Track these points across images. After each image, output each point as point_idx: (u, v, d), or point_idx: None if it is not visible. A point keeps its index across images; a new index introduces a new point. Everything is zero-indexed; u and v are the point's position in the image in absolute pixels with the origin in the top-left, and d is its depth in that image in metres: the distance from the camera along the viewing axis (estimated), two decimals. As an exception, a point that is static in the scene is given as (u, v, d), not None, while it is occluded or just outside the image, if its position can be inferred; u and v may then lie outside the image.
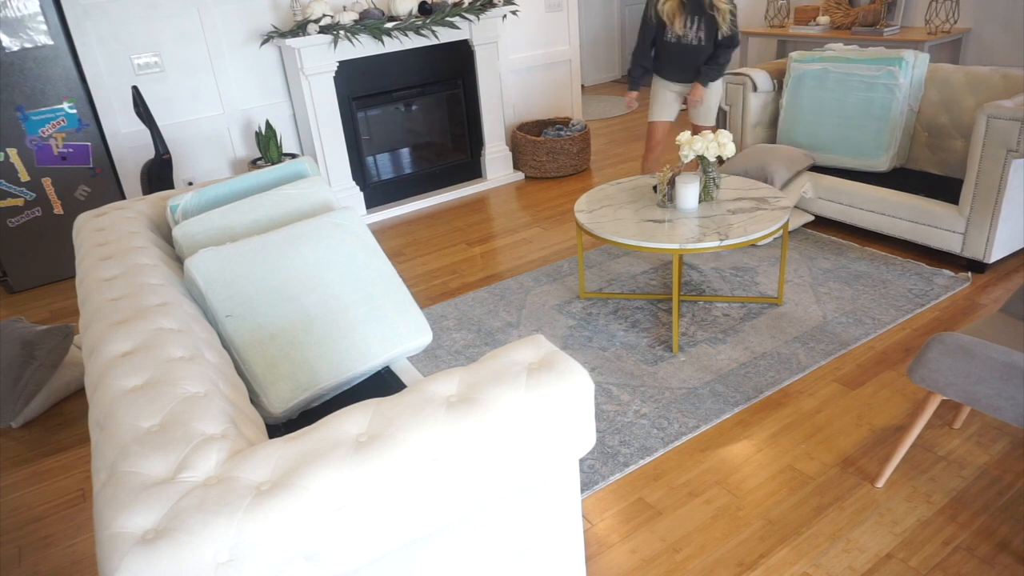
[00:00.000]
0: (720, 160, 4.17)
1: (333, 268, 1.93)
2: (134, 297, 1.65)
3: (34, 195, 3.87)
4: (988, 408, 1.80)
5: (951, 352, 1.82)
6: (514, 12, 4.80)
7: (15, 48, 3.61)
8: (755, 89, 3.94)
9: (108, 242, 2.02)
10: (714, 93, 3.78)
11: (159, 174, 3.81)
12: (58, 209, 3.96)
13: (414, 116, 4.81)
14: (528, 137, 5.00)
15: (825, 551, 1.91)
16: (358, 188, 4.60)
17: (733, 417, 2.46)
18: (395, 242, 4.26)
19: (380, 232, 4.46)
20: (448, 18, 4.43)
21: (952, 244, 3.21)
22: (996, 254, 3.13)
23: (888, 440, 2.29)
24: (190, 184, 3.91)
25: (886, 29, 5.03)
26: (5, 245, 3.89)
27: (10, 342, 2.80)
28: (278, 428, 1.85)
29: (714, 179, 2.97)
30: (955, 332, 1.87)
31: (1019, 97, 3.00)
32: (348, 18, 4.17)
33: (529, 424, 1.23)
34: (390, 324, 1.96)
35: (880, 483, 2.12)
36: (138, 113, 3.68)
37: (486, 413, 1.19)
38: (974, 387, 1.81)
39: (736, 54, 6.58)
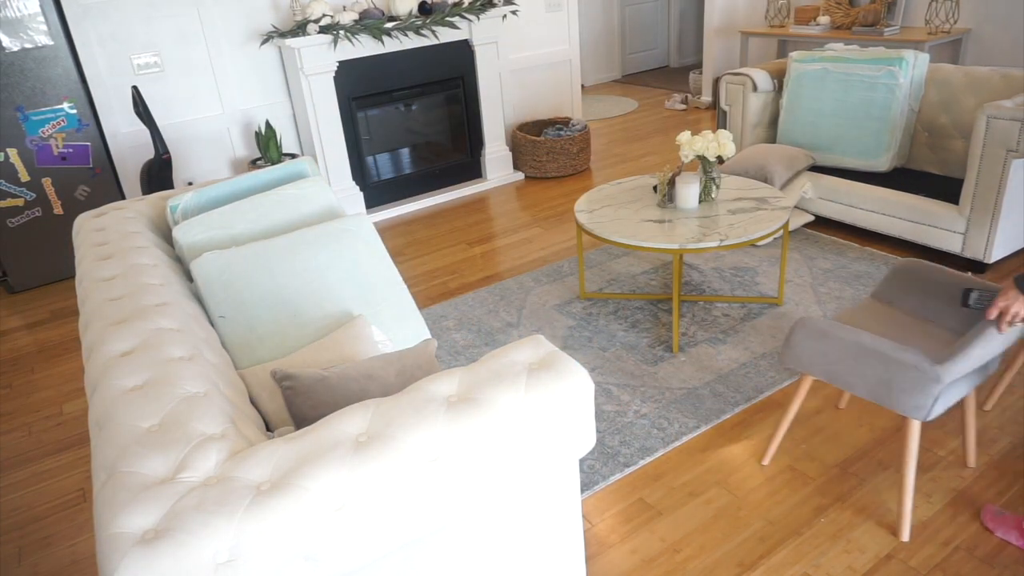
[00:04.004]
0: (720, 160, 4.17)
1: (334, 273, 1.93)
2: (134, 297, 1.65)
3: (34, 195, 3.87)
4: (846, 385, 1.91)
5: (811, 335, 1.94)
6: (514, 12, 4.80)
7: (15, 48, 3.61)
8: (755, 89, 3.94)
9: (108, 242, 2.02)
10: None
11: (159, 174, 3.81)
12: (58, 209, 3.96)
13: (414, 116, 4.81)
14: (528, 137, 5.00)
15: (825, 551, 1.91)
16: (358, 188, 4.60)
17: (733, 417, 2.46)
18: (395, 242, 4.26)
19: (380, 232, 4.45)
20: (448, 18, 4.43)
21: (952, 244, 3.21)
22: (996, 254, 3.12)
23: (888, 440, 2.29)
24: (190, 184, 3.90)
25: (886, 29, 5.03)
26: (5, 245, 3.89)
27: None
28: (278, 428, 1.85)
29: (714, 179, 2.97)
30: (816, 317, 1.97)
31: (1019, 97, 3.00)
32: (348, 18, 4.17)
33: (529, 424, 1.23)
34: (387, 331, 1.96)
35: (766, 460, 2.22)
36: (138, 113, 3.68)
37: (486, 413, 1.19)
38: (832, 366, 1.92)
39: (737, 54, 6.56)
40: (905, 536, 1.93)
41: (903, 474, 1.90)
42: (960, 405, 2.40)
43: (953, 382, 1.79)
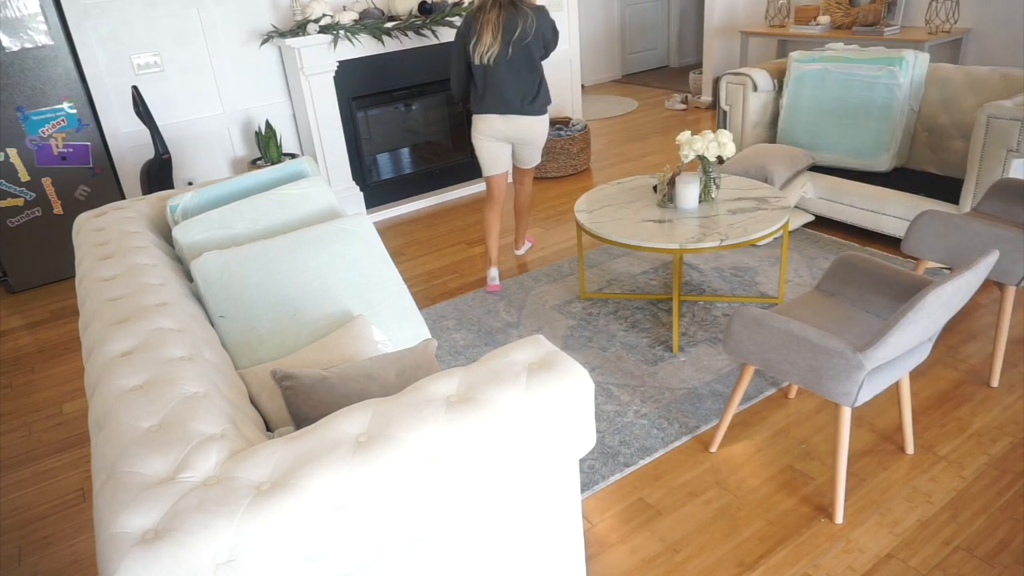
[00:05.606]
0: (720, 160, 4.17)
1: (334, 273, 1.93)
2: (134, 297, 1.65)
3: (34, 195, 3.87)
4: (780, 373, 1.95)
5: (747, 324, 1.98)
6: (514, 12, 4.79)
7: (15, 48, 3.61)
8: (755, 89, 3.94)
9: (108, 242, 2.02)
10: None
11: (159, 174, 3.81)
12: (58, 209, 3.96)
13: (414, 116, 4.81)
14: (528, 137, 5.00)
15: (825, 551, 1.91)
16: (358, 188, 4.60)
17: (733, 417, 2.46)
18: (395, 242, 4.26)
19: (380, 232, 4.45)
20: (448, 18, 4.43)
21: (952, 244, 3.21)
22: (996, 254, 3.12)
23: (888, 441, 2.29)
24: (190, 184, 3.91)
25: (886, 29, 5.03)
26: (5, 245, 3.89)
27: None
28: (278, 428, 1.85)
29: (714, 179, 2.97)
30: (753, 308, 2.00)
31: (1019, 97, 3.00)
32: (348, 18, 4.17)
33: (529, 424, 1.23)
34: (386, 331, 1.96)
35: (713, 448, 2.26)
36: (138, 113, 3.68)
37: (486, 413, 1.19)
38: (767, 354, 1.96)
39: (737, 54, 6.56)
40: (839, 519, 1.99)
41: (836, 458, 1.96)
42: (898, 394, 2.45)
43: (878, 369, 1.85)
